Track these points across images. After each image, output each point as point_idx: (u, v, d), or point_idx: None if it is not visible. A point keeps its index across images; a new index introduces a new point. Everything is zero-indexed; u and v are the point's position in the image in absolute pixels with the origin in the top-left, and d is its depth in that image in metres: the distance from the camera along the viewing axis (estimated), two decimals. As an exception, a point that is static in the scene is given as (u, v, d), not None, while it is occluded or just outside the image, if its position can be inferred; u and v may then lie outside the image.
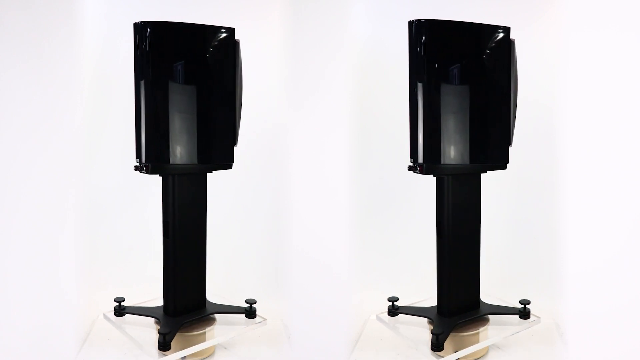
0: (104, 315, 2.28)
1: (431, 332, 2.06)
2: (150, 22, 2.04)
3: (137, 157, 2.09)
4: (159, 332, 2.06)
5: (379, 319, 2.29)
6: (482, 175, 2.18)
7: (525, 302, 2.23)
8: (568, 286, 2.07)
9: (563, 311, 2.23)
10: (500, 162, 2.15)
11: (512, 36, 2.12)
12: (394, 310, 2.29)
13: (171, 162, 2.09)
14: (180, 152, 2.09)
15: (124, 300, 2.28)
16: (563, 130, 2.09)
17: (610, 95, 1.99)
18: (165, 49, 2.06)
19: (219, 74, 2.14)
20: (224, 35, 2.13)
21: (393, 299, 2.30)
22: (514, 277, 2.52)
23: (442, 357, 2.07)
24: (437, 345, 2.04)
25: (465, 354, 2.11)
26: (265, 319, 2.22)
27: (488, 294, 2.32)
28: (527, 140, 2.26)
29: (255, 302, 2.23)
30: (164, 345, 2.04)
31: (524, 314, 2.21)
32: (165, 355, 2.04)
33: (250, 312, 2.22)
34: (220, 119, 2.14)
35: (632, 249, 2.00)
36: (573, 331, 2.10)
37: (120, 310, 2.26)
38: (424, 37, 2.04)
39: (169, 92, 2.07)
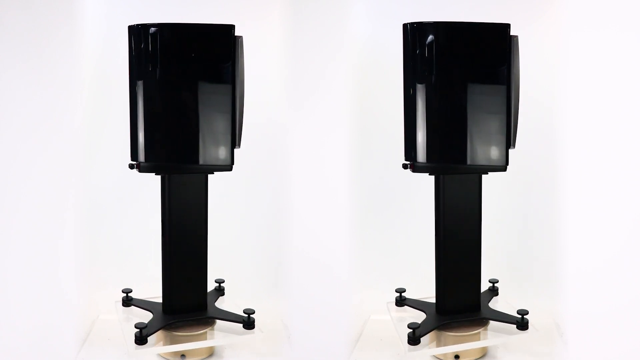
0: (115, 303, 2.34)
1: (407, 326, 2.07)
2: (150, 24, 2.04)
3: (131, 156, 2.09)
4: (134, 326, 2.07)
5: (387, 308, 2.34)
6: (482, 175, 2.18)
7: (522, 312, 2.16)
8: (568, 286, 2.07)
9: (563, 311, 2.23)
10: (499, 164, 2.12)
11: (512, 34, 2.12)
12: (401, 301, 2.34)
13: (166, 161, 2.09)
14: (177, 152, 2.09)
15: (131, 291, 2.34)
16: (563, 130, 2.09)
17: (610, 95, 1.99)
18: (163, 50, 2.05)
19: (221, 72, 2.12)
20: (224, 33, 2.12)
21: (401, 290, 2.36)
22: (514, 277, 2.52)
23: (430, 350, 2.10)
24: (413, 340, 2.05)
25: (449, 351, 2.13)
26: (262, 332, 2.18)
27: (501, 298, 2.34)
28: (527, 140, 2.25)
29: (253, 312, 2.17)
30: (140, 339, 2.05)
31: (522, 324, 2.15)
32: (141, 348, 2.06)
33: (248, 323, 2.17)
34: (221, 119, 2.13)
35: (632, 249, 2.00)
36: (573, 331, 2.10)
37: (127, 301, 2.33)
38: (428, 39, 2.04)
39: (167, 93, 2.07)
